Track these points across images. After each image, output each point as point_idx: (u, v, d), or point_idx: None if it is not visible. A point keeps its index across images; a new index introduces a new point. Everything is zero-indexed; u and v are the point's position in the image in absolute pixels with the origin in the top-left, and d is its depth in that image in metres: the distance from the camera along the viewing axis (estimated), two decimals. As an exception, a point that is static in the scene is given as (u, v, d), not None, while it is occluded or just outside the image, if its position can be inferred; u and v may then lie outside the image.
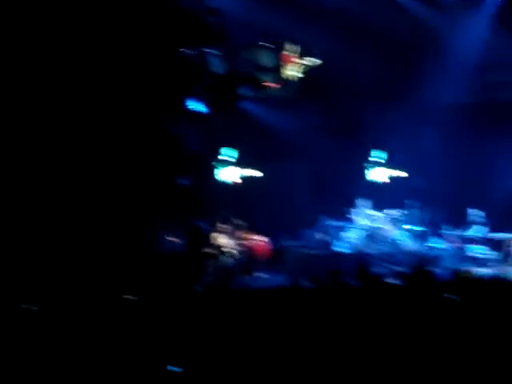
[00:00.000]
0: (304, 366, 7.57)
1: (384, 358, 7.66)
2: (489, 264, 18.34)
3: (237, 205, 18.20)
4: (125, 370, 7.38)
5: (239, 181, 18.53)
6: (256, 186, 19.06)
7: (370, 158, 20.17)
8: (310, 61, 17.99)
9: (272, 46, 18.15)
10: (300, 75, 18.19)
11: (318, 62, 17.89)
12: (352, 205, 19.14)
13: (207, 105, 17.27)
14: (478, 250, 18.76)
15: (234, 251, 16.71)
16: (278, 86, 18.24)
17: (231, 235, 16.97)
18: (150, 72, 16.09)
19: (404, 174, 20.30)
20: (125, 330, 8.38)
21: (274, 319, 8.90)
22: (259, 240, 17.47)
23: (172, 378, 7.28)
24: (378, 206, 19.34)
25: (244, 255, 17.20)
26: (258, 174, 18.78)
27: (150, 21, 15.86)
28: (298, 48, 18.21)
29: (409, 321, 8.83)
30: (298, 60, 18.10)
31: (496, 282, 11.30)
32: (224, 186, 18.47)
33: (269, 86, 18.09)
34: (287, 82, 18.32)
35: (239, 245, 17.14)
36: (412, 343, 8.12)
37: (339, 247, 18.00)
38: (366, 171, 20.15)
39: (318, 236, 18.48)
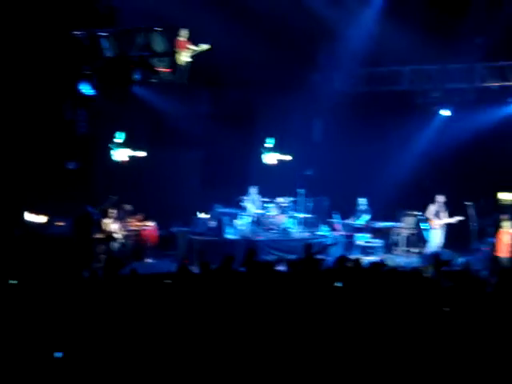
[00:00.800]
0: (188, 349, 7.60)
1: (265, 343, 7.76)
2: (375, 252, 18.82)
3: (127, 190, 18.03)
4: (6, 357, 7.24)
5: (126, 159, 18.13)
6: (147, 171, 18.91)
7: (266, 144, 20.27)
8: (201, 47, 17.92)
9: (165, 31, 17.98)
10: (190, 60, 18.09)
11: (208, 46, 17.81)
12: (244, 192, 19.23)
13: (98, 88, 16.98)
14: (366, 239, 19.18)
15: (123, 236, 16.56)
16: (170, 72, 18.11)
17: (120, 220, 16.81)
18: (39, 53, 15.76)
19: (288, 158, 20.42)
20: (7, 315, 8.23)
21: (161, 304, 8.89)
22: (149, 225, 17.37)
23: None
24: (270, 194, 19.49)
25: (133, 241, 17.08)
26: (145, 155, 18.48)
27: (40, 1, 15.55)
28: (189, 33, 18.09)
29: (295, 307, 8.96)
30: (191, 46, 18.02)
31: (381, 268, 11.61)
32: (114, 170, 18.21)
33: (161, 71, 17.93)
34: (180, 68, 18.22)
35: (128, 230, 17.00)
36: (296, 328, 8.24)
37: (230, 234, 18.05)
38: (262, 155, 20.24)
39: (209, 222, 18.49)
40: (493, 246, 16.90)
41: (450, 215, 18.56)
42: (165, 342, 7.77)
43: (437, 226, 18.62)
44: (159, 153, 19.07)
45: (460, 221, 18.41)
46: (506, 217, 17.35)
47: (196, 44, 18.00)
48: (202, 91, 19.61)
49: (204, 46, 17.97)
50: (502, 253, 15.84)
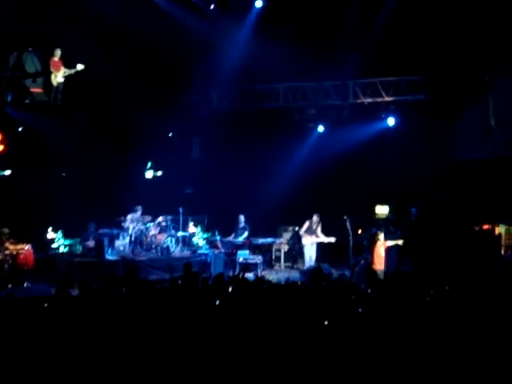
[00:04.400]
0: (68, 372, 7.53)
1: (149, 361, 7.75)
2: (256, 268, 18.95)
3: (2, 212, 17.54)
4: None
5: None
6: (22, 193, 18.43)
7: (148, 167, 20.15)
8: (76, 68, 17.72)
9: (38, 51, 17.70)
10: (63, 80, 17.86)
11: (82, 67, 17.62)
12: (124, 212, 19.01)
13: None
14: (246, 256, 19.29)
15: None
16: (43, 92, 17.82)
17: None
18: None
19: (159, 173, 20.32)
20: None
21: (40, 328, 8.74)
22: (24, 248, 16.90)
23: None
24: (150, 213, 19.34)
25: (9, 265, 16.58)
26: (20, 177, 18.02)
27: None
28: (61, 53, 17.86)
29: (179, 323, 8.97)
30: (65, 68, 17.81)
31: (261, 284, 11.75)
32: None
33: (36, 92, 17.61)
34: (55, 88, 17.95)
35: (4, 254, 16.50)
36: (178, 345, 8.26)
37: (110, 255, 17.82)
38: (145, 172, 20.11)
39: (89, 243, 18.21)
40: (369, 259, 17.32)
41: (328, 231, 18.94)
42: (43, 367, 7.66)
43: (307, 242, 19.00)
44: (36, 173, 18.65)
45: (331, 242, 18.89)
46: (381, 230, 17.83)
47: (69, 64, 17.79)
48: (77, 111, 19.32)
49: (78, 67, 17.78)
50: (378, 265, 16.22)
